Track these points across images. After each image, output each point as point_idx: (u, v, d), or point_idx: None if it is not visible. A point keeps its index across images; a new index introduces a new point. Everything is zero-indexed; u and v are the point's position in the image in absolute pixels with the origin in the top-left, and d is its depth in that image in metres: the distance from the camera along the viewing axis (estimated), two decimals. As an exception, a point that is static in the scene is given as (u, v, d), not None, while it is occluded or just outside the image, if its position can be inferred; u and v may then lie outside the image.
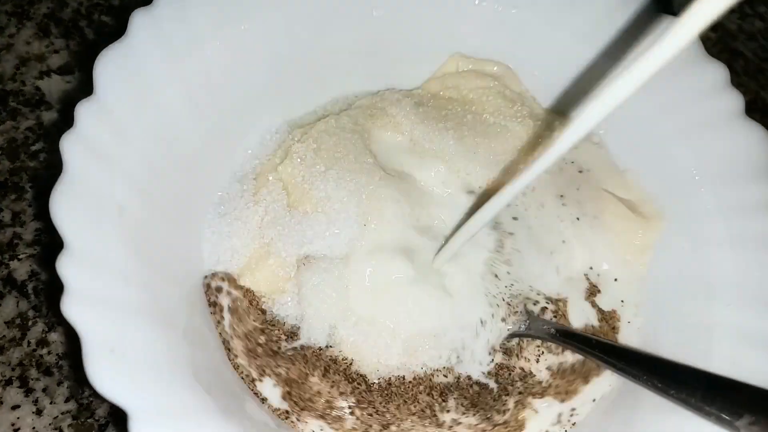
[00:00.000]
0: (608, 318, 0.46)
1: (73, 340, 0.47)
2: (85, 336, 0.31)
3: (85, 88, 0.57)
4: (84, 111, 0.37)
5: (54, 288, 0.49)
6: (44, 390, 0.46)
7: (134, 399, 0.30)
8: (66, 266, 0.32)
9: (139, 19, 0.40)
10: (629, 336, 0.46)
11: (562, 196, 0.49)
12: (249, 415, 0.37)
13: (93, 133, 0.37)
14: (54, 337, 0.48)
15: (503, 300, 0.44)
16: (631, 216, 0.48)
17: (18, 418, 0.45)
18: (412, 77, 0.53)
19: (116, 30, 0.61)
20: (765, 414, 0.34)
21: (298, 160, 0.46)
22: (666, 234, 0.47)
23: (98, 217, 0.35)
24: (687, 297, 0.44)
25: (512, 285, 0.45)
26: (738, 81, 0.67)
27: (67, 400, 0.46)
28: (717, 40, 0.70)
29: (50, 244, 0.51)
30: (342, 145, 0.47)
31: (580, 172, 0.50)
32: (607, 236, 0.48)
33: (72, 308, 0.32)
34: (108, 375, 0.31)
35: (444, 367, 0.43)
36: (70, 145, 0.35)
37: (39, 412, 0.45)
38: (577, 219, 0.48)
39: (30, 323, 0.48)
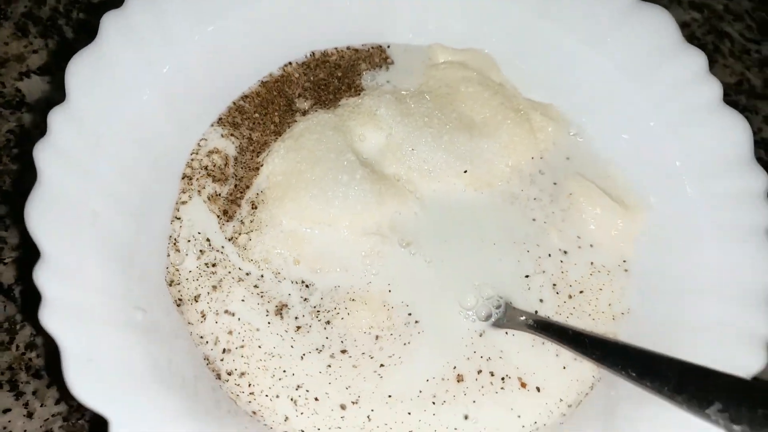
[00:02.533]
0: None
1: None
2: (63, 346, 0.31)
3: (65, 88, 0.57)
4: (56, 118, 0.37)
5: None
6: (34, 393, 0.46)
7: (114, 406, 0.31)
8: (43, 277, 0.33)
9: (110, 22, 0.40)
10: (610, 327, 0.46)
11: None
12: (224, 415, 0.37)
13: (66, 141, 0.37)
14: (42, 340, 0.48)
15: (482, 297, 0.45)
16: (611, 204, 0.48)
17: (9, 421, 0.45)
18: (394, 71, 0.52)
19: (95, 28, 0.60)
20: (734, 401, 0.35)
21: (278, 158, 0.47)
22: (650, 224, 0.47)
23: (73, 226, 0.35)
24: (667, 289, 0.44)
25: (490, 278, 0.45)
26: (724, 63, 0.66)
27: (57, 402, 0.46)
28: (703, 21, 0.69)
29: (36, 247, 0.51)
30: (323, 143, 0.47)
31: (568, 159, 0.50)
32: (583, 224, 0.48)
33: (50, 318, 0.32)
34: (87, 384, 0.31)
35: None
36: (43, 154, 0.36)
37: (30, 415, 0.46)
38: (551, 203, 0.48)
39: (18, 327, 0.48)
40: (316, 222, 0.46)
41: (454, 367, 0.42)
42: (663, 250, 0.46)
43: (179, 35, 0.43)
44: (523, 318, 0.44)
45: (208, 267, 0.44)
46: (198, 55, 0.45)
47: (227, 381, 0.40)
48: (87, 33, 0.60)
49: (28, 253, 0.51)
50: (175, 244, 0.44)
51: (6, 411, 0.46)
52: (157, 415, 0.32)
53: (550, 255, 0.47)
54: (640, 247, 0.47)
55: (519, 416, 0.41)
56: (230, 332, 0.42)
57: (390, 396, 0.41)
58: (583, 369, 0.43)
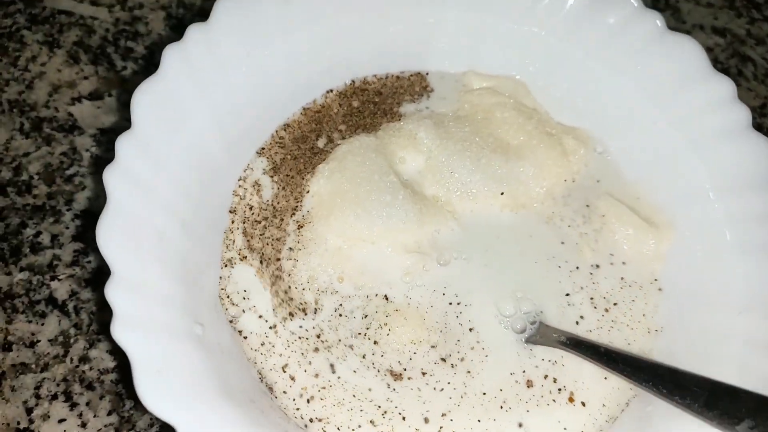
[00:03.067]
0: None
1: (114, 357, 0.50)
2: (134, 358, 0.34)
3: (115, 113, 0.60)
4: (124, 144, 0.39)
5: (95, 307, 0.52)
6: (87, 404, 0.49)
7: (181, 416, 0.33)
8: (114, 292, 0.35)
9: (170, 54, 0.42)
10: (646, 342, 0.47)
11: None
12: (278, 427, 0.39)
13: (132, 165, 0.39)
14: (95, 353, 0.50)
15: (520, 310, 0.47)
16: (642, 224, 0.50)
17: (65, 430, 0.47)
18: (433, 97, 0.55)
19: (142, 56, 0.64)
20: (764, 419, 0.36)
21: (323, 179, 0.49)
22: (677, 244, 0.48)
23: (141, 244, 0.38)
24: (698, 306, 0.46)
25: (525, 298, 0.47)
26: (748, 86, 0.68)
27: (109, 414, 0.48)
28: (726, 46, 0.71)
29: (88, 264, 0.53)
30: (366, 165, 0.49)
31: (598, 181, 0.52)
32: (616, 243, 0.50)
33: (121, 332, 0.34)
34: (156, 394, 0.33)
35: None
36: (112, 177, 0.38)
37: (84, 425, 0.48)
38: (584, 224, 0.50)
39: (72, 341, 0.51)
40: (359, 240, 0.48)
41: (524, 371, 0.44)
42: (693, 268, 0.47)
43: (230, 65, 0.46)
44: (555, 335, 0.45)
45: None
46: (246, 83, 0.47)
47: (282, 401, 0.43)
48: (134, 60, 0.63)
49: (81, 271, 0.53)
50: (227, 265, 0.47)
51: (61, 421, 0.48)
52: (222, 426, 0.34)
53: (585, 272, 0.49)
54: (670, 265, 0.49)
55: (565, 428, 0.43)
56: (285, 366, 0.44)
57: (458, 405, 0.43)
58: (622, 383, 0.45)
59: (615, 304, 0.48)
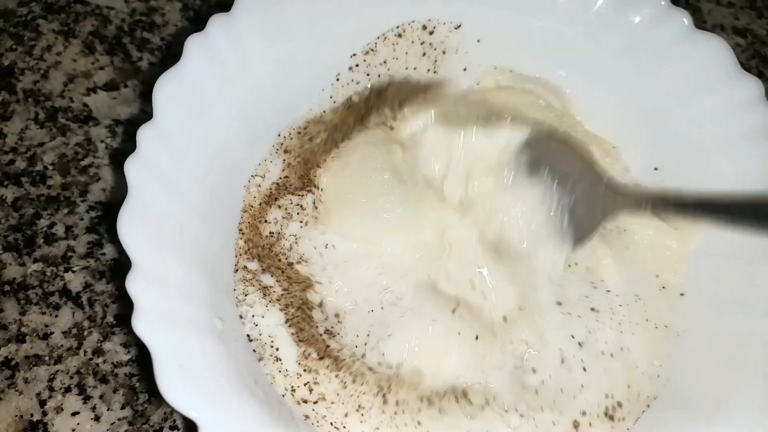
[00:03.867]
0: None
1: (127, 350, 0.50)
2: (155, 352, 0.33)
3: (130, 103, 0.60)
4: (145, 135, 0.39)
5: (110, 299, 0.52)
6: (101, 397, 0.48)
7: (204, 411, 0.32)
8: (135, 285, 0.34)
9: (193, 44, 0.42)
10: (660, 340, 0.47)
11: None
12: (306, 425, 0.39)
13: (154, 157, 0.38)
14: (109, 346, 0.50)
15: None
16: (662, 227, 0.49)
17: (78, 423, 0.47)
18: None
19: (158, 47, 0.63)
20: None
21: (327, 177, 0.48)
22: (700, 246, 0.48)
23: (162, 236, 0.37)
24: (721, 309, 0.45)
25: None
26: (768, 87, 0.67)
27: (123, 407, 0.48)
28: (747, 46, 0.70)
29: (102, 256, 0.53)
30: (367, 160, 0.48)
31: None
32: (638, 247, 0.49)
33: (142, 325, 0.33)
34: (179, 389, 0.32)
35: None
36: (133, 169, 0.37)
37: (97, 419, 0.47)
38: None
39: (86, 333, 0.50)
40: (357, 240, 0.47)
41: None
42: (716, 271, 0.47)
43: (253, 57, 0.45)
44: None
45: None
46: (268, 76, 0.47)
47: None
48: (150, 51, 0.63)
49: (96, 263, 0.53)
50: (241, 256, 0.46)
51: (74, 414, 0.47)
52: (243, 421, 0.33)
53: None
54: (692, 267, 0.48)
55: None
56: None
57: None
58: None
59: (635, 300, 0.47)
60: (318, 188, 0.49)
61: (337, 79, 0.52)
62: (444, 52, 0.53)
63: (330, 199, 0.48)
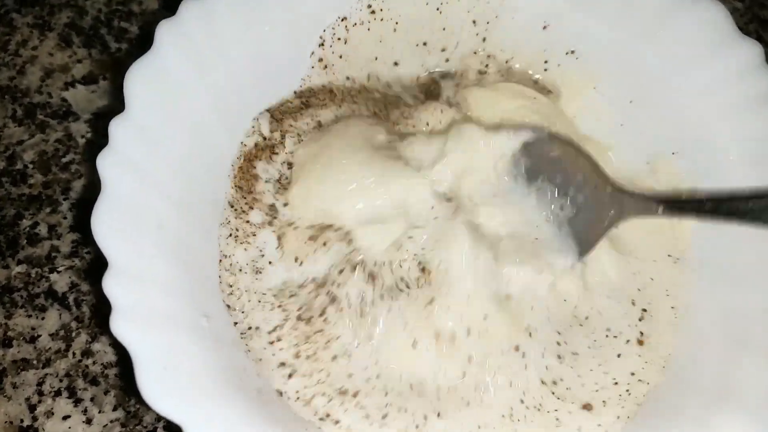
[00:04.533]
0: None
1: (116, 350, 0.48)
2: (136, 355, 0.32)
3: (109, 97, 0.58)
4: (117, 128, 0.37)
5: (96, 299, 0.50)
6: (92, 399, 0.47)
7: (187, 414, 0.31)
8: (112, 285, 0.33)
9: (164, 31, 0.40)
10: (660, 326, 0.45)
11: None
12: (294, 424, 0.37)
13: (127, 150, 0.37)
14: (98, 347, 0.49)
15: None
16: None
17: (69, 427, 0.46)
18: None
19: (137, 36, 0.61)
20: None
21: (301, 147, 0.47)
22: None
23: (139, 233, 0.35)
24: (728, 284, 0.43)
25: None
26: (768, 51, 0.65)
27: (114, 409, 0.47)
28: (745, 10, 0.68)
29: (87, 255, 0.52)
30: (344, 137, 0.47)
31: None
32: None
33: (121, 327, 0.32)
34: (162, 392, 0.31)
35: None
36: (106, 164, 0.36)
37: (89, 422, 0.46)
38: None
39: (74, 334, 0.49)
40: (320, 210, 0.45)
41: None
42: (720, 243, 0.45)
43: (228, 40, 0.43)
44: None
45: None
46: (245, 59, 0.45)
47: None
48: (128, 41, 0.61)
49: (81, 262, 0.51)
50: (226, 246, 0.44)
51: (66, 417, 0.46)
52: (230, 424, 0.32)
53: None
54: (695, 241, 0.46)
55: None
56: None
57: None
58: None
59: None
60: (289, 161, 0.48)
61: (314, 58, 0.50)
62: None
63: (297, 171, 0.47)
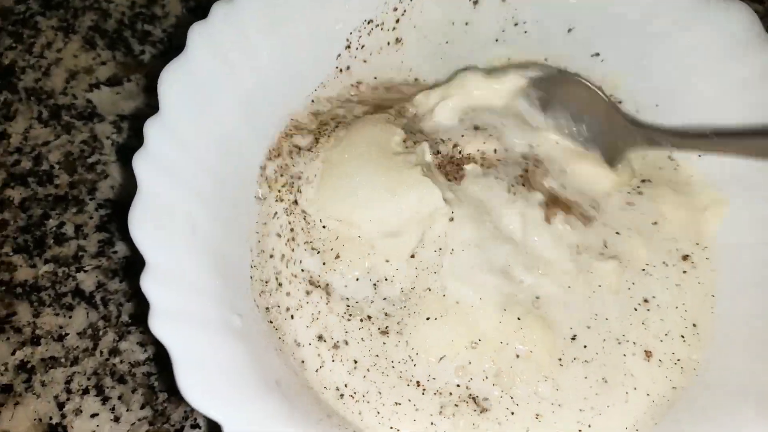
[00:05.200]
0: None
1: (144, 349, 0.49)
2: (175, 353, 0.32)
3: (134, 98, 0.59)
4: (152, 129, 0.37)
5: (124, 298, 0.51)
6: (120, 398, 0.47)
7: (226, 411, 0.31)
8: (150, 285, 0.33)
9: (196, 34, 0.40)
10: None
11: None
12: (329, 419, 0.38)
13: (162, 151, 0.37)
14: (125, 345, 0.49)
15: None
16: (687, 204, 0.48)
17: (97, 425, 0.46)
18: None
19: (160, 39, 0.62)
20: None
21: (326, 151, 0.47)
22: (729, 220, 0.46)
23: (174, 234, 0.36)
24: (753, 282, 0.44)
25: None
26: (788, 55, 0.65)
27: (142, 407, 0.47)
28: (765, 13, 0.68)
29: (114, 254, 0.52)
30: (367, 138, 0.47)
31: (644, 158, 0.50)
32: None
33: (160, 326, 0.32)
34: (200, 390, 0.32)
35: None
36: (142, 164, 0.36)
37: (116, 420, 0.47)
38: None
39: (101, 333, 0.50)
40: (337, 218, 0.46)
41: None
42: (746, 244, 0.45)
43: (257, 42, 0.44)
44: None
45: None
46: (273, 61, 0.45)
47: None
48: (151, 44, 0.61)
49: (108, 261, 0.52)
50: (257, 245, 0.45)
51: (94, 415, 0.47)
52: (267, 420, 0.33)
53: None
54: (723, 242, 0.46)
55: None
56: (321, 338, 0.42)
57: None
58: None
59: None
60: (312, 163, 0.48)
61: (341, 58, 0.50)
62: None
63: (320, 178, 0.47)
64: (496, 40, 0.52)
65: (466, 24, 0.52)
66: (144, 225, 0.35)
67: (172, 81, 0.39)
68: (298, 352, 0.41)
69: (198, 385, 0.32)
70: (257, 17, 0.43)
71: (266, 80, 0.45)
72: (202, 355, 0.33)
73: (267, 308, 0.41)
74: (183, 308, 0.34)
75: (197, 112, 0.40)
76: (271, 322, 0.41)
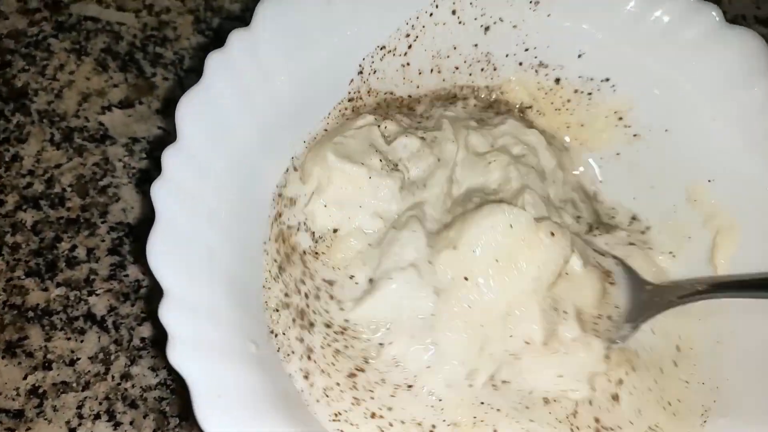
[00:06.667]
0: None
1: (156, 374, 0.49)
2: (193, 384, 0.32)
3: (146, 120, 0.59)
4: (170, 157, 0.38)
5: (136, 322, 0.51)
6: (131, 423, 0.47)
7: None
8: (169, 315, 0.33)
9: (213, 62, 0.41)
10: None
11: None
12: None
13: (180, 180, 0.37)
14: (136, 370, 0.49)
15: None
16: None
17: (109, 451, 0.46)
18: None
19: (171, 62, 0.62)
20: None
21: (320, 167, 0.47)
22: (739, 248, 0.46)
23: (192, 262, 0.36)
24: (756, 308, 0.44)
25: None
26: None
27: (153, 432, 0.47)
28: (769, 36, 0.69)
29: (125, 278, 0.52)
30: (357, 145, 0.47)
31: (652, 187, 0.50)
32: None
33: (179, 357, 0.32)
34: (218, 421, 0.32)
35: None
36: (160, 193, 0.36)
37: (128, 445, 0.47)
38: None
39: (112, 357, 0.49)
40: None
41: None
42: (757, 269, 0.45)
43: (273, 69, 0.44)
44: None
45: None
46: (288, 88, 0.46)
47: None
48: (163, 66, 0.62)
49: (119, 285, 0.52)
50: (268, 278, 0.45)
51: (105, 441, 0.47)
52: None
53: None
54: (734, 269, 0.47)
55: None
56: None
57: None
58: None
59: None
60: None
61: (353, 83, 0.51)
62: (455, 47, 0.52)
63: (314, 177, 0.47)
64: (503, 65, 0.53)
65: (476, 46, 0.53)
66: (163, 254, 0.35)
67: (190, 109, 0.39)
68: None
69: (216, 415, 0.32)
70: (274, 46, 0.44)
71: (282, 107, 0.45)
72: (220, 385, 0.33)
73: (272, 332, 0.41)
74: (202, 338, 0.34)
75: (215, 140, 0.40)
76: (279, 349, 0.41)
